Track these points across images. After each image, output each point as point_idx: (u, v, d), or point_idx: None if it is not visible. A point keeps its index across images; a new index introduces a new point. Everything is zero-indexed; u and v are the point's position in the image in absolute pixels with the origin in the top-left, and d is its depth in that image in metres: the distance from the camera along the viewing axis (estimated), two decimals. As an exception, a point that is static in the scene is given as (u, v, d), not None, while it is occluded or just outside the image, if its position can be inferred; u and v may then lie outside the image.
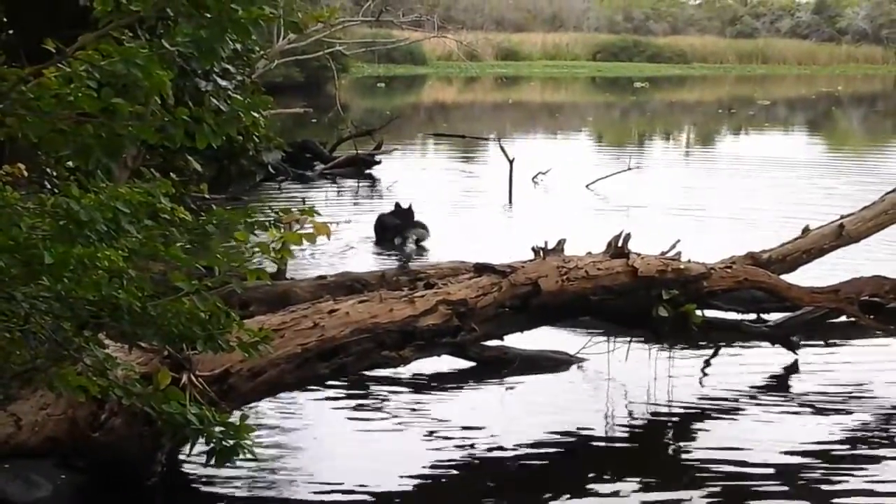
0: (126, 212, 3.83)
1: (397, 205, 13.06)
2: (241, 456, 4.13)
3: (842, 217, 9.23)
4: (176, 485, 5.72)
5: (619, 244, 7.35)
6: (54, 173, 5.30)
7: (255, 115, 4.20)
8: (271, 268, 7.35)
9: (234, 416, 4.55)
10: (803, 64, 71.38)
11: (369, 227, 13.18)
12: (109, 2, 3.83)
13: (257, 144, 10.60)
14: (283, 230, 4.05)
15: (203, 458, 5.35)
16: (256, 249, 4.06)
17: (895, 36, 75.15)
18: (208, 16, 3.87)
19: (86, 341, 4.03)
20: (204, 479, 5.74)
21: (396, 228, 12.72)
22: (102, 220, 3.75)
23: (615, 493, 5.83)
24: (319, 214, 4.19)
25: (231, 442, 4.09)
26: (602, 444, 6.59)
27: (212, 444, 4.14)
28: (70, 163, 4.15)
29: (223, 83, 7.49)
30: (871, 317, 8.01)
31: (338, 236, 12.04)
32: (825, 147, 29.58)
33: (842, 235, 9.03)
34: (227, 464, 4.17)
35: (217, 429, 4.12)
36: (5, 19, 8.13)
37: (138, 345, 4.63)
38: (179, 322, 3.90)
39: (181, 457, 5.76)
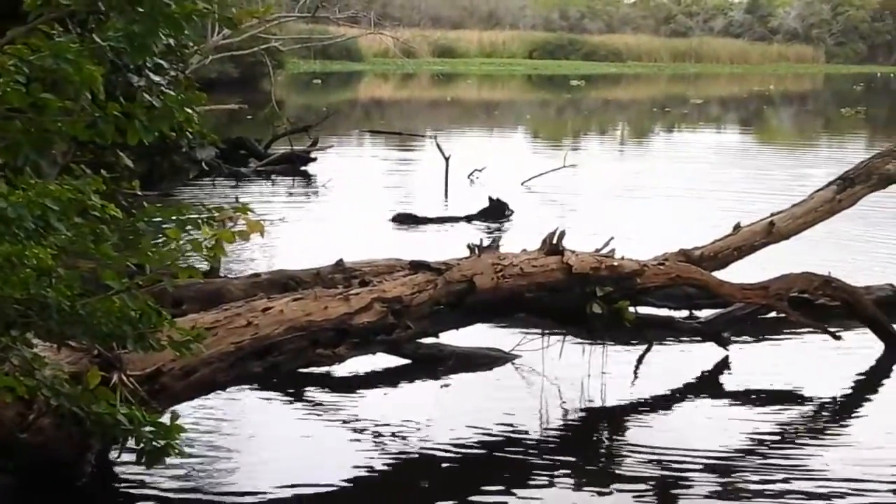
0: (55, 209, 3.77)
1: (490, 199, 14.42)
2: (171, 456, 4.09)
3: (772, 214, 9.34)
4: (106, 486, 5.65)
5: (554, 241, 7.39)
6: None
7: (189, 111, 4.16)
8: (205, 265, 7.30)
9: (167, 416, 4.51)
10: (736, 63, 72.38)
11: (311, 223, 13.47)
12: (39, -5, 3.78)
13: (190, 141, 10.48)
14: (216, 228, 4.01)
15: (134, 459, 5.32)
16: (189, 247, 4.02)
17: (825, 35, 76.44)
18: (141, 10, 3.82)
19: (13, 341, 3.96)
20: (135, 480, 5.67)
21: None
22: (31, 218, 3.69)
23: (549, 489, 5.86)
24: (253, 212, 4.16)
25: (161, 442, 4.05)
26: (536, 440, 6.62)
27: (142, 445, 4.08)
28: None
29: (156, 78, 7.38)
30: (800, 313, 8.13)
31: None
32: (756, 145, 30.00)
33: (772, 232, 9.13)
34: (157, 464, 4.12)
35: (147, 429, 4.07)
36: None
37: (67, 344, 4.56)
38: (109, 321, 3.85)
39: (112, 457, 5.68)
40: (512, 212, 14.46)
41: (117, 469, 5.72)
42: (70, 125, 3.72)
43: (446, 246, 9.49)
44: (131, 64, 6.69)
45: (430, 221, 14.07)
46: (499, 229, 13.73)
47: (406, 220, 14.07)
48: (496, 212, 14.32)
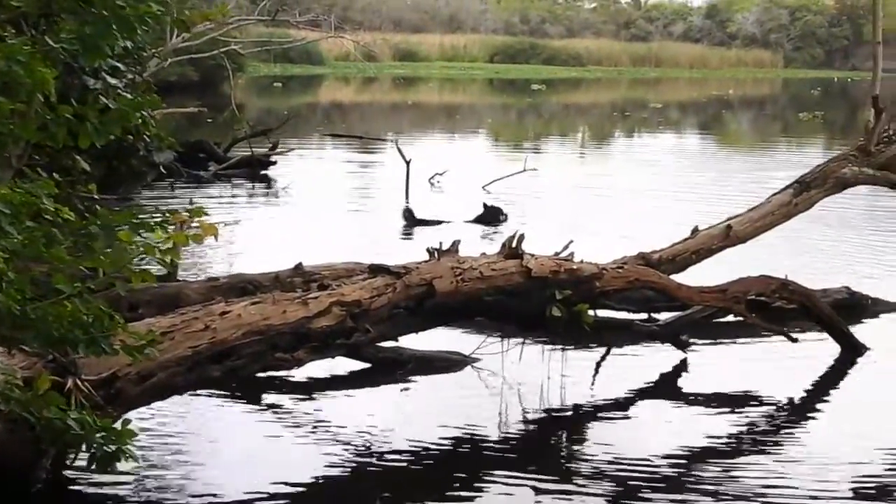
0: (7, 212, 3.72)
1: (485, 205, 14.72)
2: (122, 462, 4.04)
3: (730, 218, 9.41)
4: (62, 493, 5.58)
5: (513, 245, 7.40)
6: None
7: (143, 114, 4.12)
8: (162, 270, 7.24)
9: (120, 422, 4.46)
10: (695, 67, 72.95)
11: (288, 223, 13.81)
12: (-11, -4, 3.73)
13: (148, 144, 10.41)
14: (170, 231, 3.98)
15: (92, 465, 5.25)
16: (142, 251, 3.98)
17: (783, 40, 77.19)
18: (93, 12, 3.79)
19: (-37, 346, 3.91)
20: (91, 486, 5.61)
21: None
22: (-19, 222, 3.64)
23: (509, 493, 5.86)
24: (207, 214, 4.12)
25: (112, 447, 4.00)
26: (496, 443, 6.62)
27: (93, 450, 4.04)
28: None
29: (113, 81, 7.31)
30: (758, 316, 8.18)
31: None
32: (715, 149, 30.21)
33: (729, 236, 9.19)
34: (109, 470, 4.07)
35: (98, 434, 4.02)
36: None
37: (20, 348, 4.50)
38: (61, 325, 3.80)
39: (67, 462, 5.62)
40: (506, 216, 14.66)
41: (73, 475, 5.66)
42: (21, 127, 3.68)
43: (405, 251, 9.48)
44: (87, 66, 6.64)
45: (427, 223, 14.29)
46: (494, 232, 13.83)
47: (411, 218, 14.36)
48: (491, 216, 14.62)
